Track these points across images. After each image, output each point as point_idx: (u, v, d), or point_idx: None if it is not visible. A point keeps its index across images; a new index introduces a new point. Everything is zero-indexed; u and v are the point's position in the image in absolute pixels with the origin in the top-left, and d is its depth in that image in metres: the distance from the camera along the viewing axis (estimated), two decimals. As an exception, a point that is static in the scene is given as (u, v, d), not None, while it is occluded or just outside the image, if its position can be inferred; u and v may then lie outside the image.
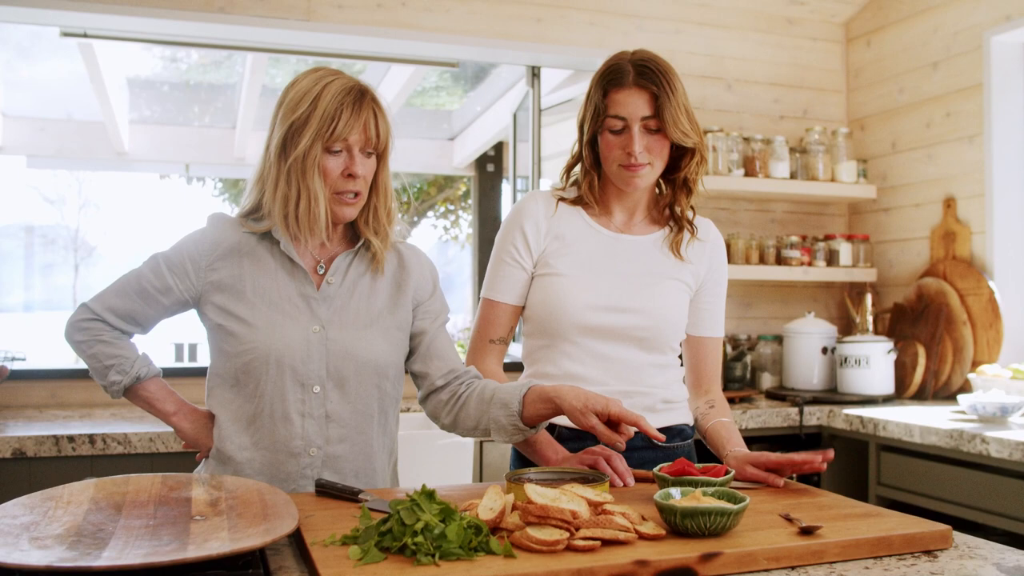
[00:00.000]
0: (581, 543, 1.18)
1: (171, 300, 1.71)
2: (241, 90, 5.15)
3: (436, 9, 3.57)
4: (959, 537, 1.36)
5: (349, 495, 1.51)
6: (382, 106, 1.70)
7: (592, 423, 1.52)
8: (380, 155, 1.72)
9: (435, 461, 2.86)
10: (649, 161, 1.77)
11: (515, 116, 4.47)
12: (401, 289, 1.79)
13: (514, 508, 1.29)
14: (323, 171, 1.64)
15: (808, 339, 3.65)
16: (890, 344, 3.47)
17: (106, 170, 6.99)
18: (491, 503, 1.27)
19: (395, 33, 3.53)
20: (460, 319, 12.96)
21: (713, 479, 1.44)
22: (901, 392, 3.55)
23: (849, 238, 3.89)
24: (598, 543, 1.19)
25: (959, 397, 3.02)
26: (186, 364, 4.69)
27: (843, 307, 4.05)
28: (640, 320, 1.78)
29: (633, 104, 1.74)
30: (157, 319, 1.74)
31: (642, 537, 1.23)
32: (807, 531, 1.28)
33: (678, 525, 1.24)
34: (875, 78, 4.02)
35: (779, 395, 3.54)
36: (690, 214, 1.88)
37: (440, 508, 1.19)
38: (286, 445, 1.67)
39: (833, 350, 3.62)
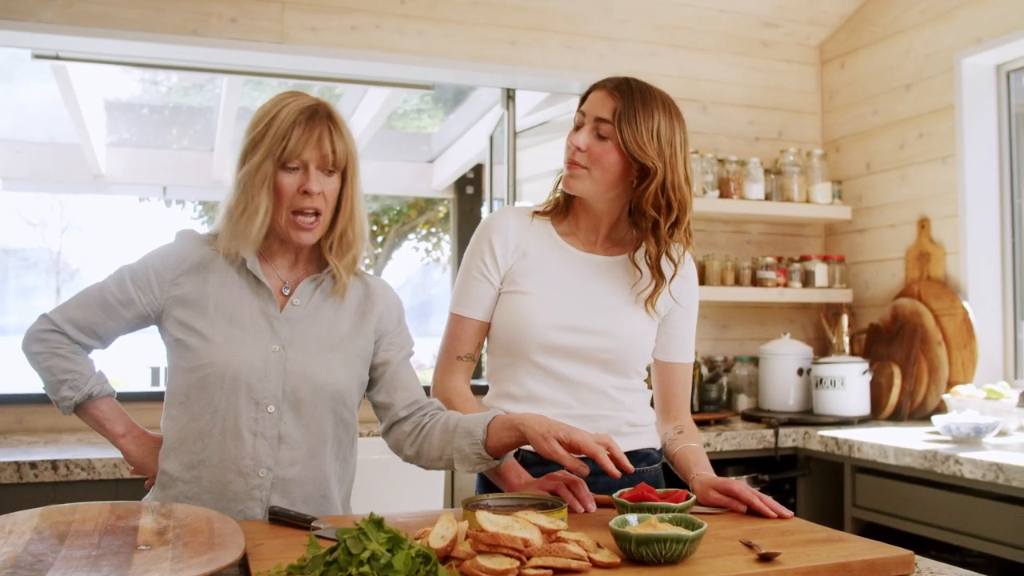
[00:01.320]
0: (532, 572, 1.15)
1: (133, 313, 1.68)
2: (218, 113, 5.14)
3: (410, 32, 3.57)
4: (923, 562, 1.34)
5: (301, 523, 1.47)
6: (339, 123, 1.69)
7: (554, 449, 1.50)
8: (345, 176, 1.70)
9: (405, 486, 2.82)
10: (587, 165, 1.73)
11: (491, 138, 4.46)
12: (365, 319, 1.77)
13: (467, 536, 1.27)
14: (278, 189, 1.64)
15: (784, 360, 3.64)
16: (865, 365, 3.46)
17: (82, 193, 6.94)
18: (443, 531, 1.24)
19: (369, 55, 3.52)
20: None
21: (672, 504, 1.41)
22: (877, 413, 3.53)
23: (824, 259, 3.89)
24: (549, 572, 1.16)
25: (934, 418, 3.01)
26: (161, 388, 4.64)
27: (819, 328, 4.05)
28: (604, 342, 1.76)
29: (596, 103, 1.73)
30: (118, 333, 1.72)
31: (596, 565, 1.21)
32: (766, 558, 1.25)
33: (633, 552, 1.22)
34: (849, 100, 4.04)
35: (755, 417, 3.53)
36: (668, 270, 1.78)
37: (388, 536, 1.16)
38: (235, 463, 1.63)
39: (809, 371, 3.61)
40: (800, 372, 3.62)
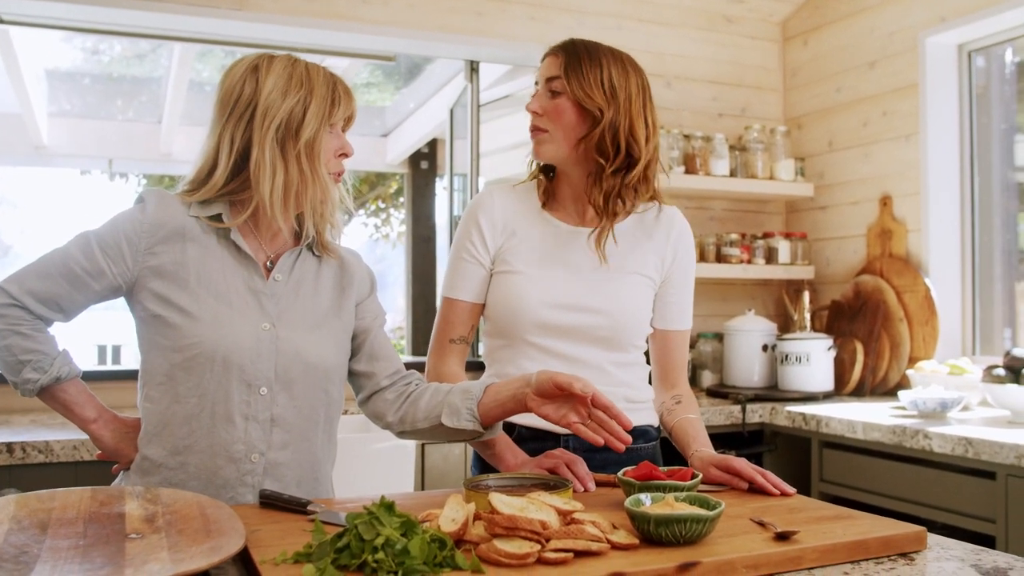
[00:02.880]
0: (552, 555, 1.11)
1: (102, 285, 1.56)
2: (168, 84, 4.96)
3: (374, 1, 3.47)
4: (931, 538, 1.33)
5: (297, 507, 1.41)
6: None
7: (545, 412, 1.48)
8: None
9: (374, 467, 2.76)
10: (547, 128, 1.71)
11: (452, 112, 4.38)
12: (344, 293, 1.70)
13: (477, 518, 1.22)
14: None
15: (748, 336, 3.65)
16: (830, 341, 3.49)
17: (24, 165, 6.67)
18: (453, 514, 1.20)
19: (331, 24, 3.42)
20: (392, 318, 12.82)
21: (681, 483, 1.38)
22: (840, 388, 3.57)
23: (787, 236, 3.91)
24: (570, 555, 1.12)
25: (900, 393, 3.05)
26: (109, 367, 4.49)
27: (781, 304, 4.07)
28: (600, 319, 1.72)
29: (546, 67, 1.74)
30: (84, 306, 1.59)
31: (614, 547, 1.17)
32: (783, 536, 1.23)
33: (652, 533, 1.18)
34: (812, 77, 4.04)
35: (720, 392, 3.53)
36: (608, 205, 1.72)
37: (401, 521, 1.11)
38: (225, 449, 1.55)
39: (774, 347, 3.63)
40: (765, 348, 3.63)
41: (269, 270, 1.63)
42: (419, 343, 5.87)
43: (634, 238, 1.79)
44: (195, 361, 1.54)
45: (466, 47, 3.68)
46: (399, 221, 10.19)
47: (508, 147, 4.38)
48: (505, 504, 1.17)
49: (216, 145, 1.58)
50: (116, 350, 5.60)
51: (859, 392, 3.56)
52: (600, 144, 1.69)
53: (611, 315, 1.73)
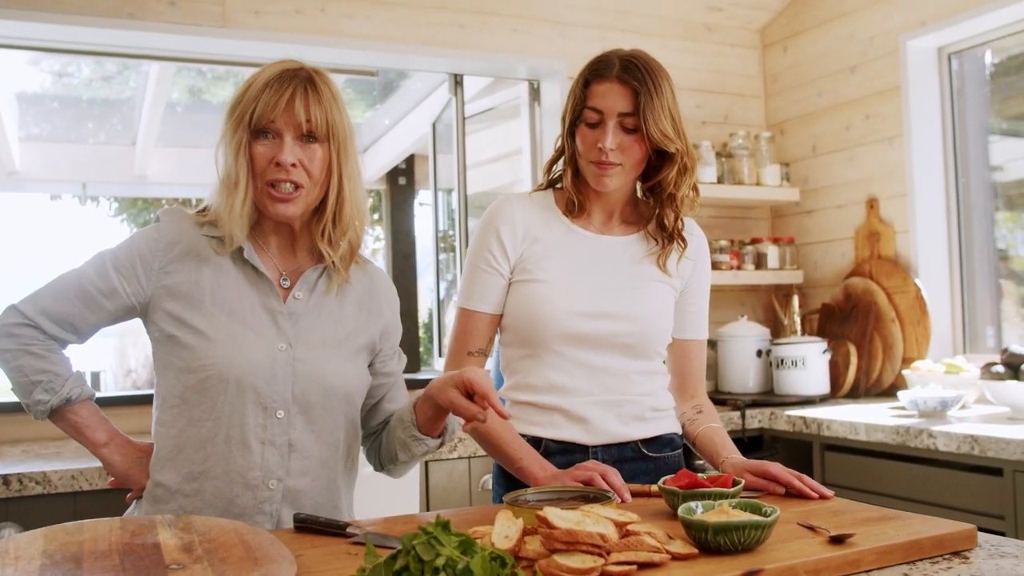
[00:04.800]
0: (616, 568, 1.08)
1: (116, 305, 1.52)
2: (143, 104, 4.89)
3: (357, 15, 3.45)
4: (979, 536, 1.32)
5: (335, 530, 1.37)
6: (319, 87, 1.53)
7: (450, 397, 1.44)
8: (337, 148, 1.54)
9: (378, 486, 2.71)
10: (620, 162, 1.68)
11: (434, 126, 4.36)
12: (371, 316, 1.65)
13: (527, 533, 1.19)
14: (251, 158, 1.51)
15: (742, 342, 3.66)
16: (824, 344, 3.51)
17: (-4, 191, 6.55)
18: (505, 530, 1.17)
19: (314, 40, 3.39)
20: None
21: (727, 490, 1.36)
22: (835, 391, 3.58)
23: (775, 241, 3.93)
24: (634, 567, 1.09)
25: (899, 393, 3.06)
26: (103, 392, 4.39)
27: (770, 310, 4.08)
28: (626, 327, 1.70)
29: (612, 97, 1.66)
30: (98, 326, 1.55)
31: (675, 557, 1.15)
32: (838, 540, 1.22)
33: (710, 542, 1.16)
34: (793, 83, 4.08)
35: (718, 399, 3.53)
36: (680, 227, 1.78)
37: (460, 540, 1.08)
38: (242, 476, 1.50)
39: (768, 352, 3.63)
40: (759, 353, 3.64)
41: (283, 287, 1.59)
42: (402, 360, 5.79)
43: (655, 251, 1.79)
44: (208, 383, 1.49)
45: (449, 60, 3.67)
46: (373, 238, 10.13)
47: (489, 160, 4.37)
48: (561, 518, 1.14)
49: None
50: (95, 376, 5.49)
51: (854, 394, 3.57)
52: (677, 174, 1.71)
53: (637, 322, 1.71)
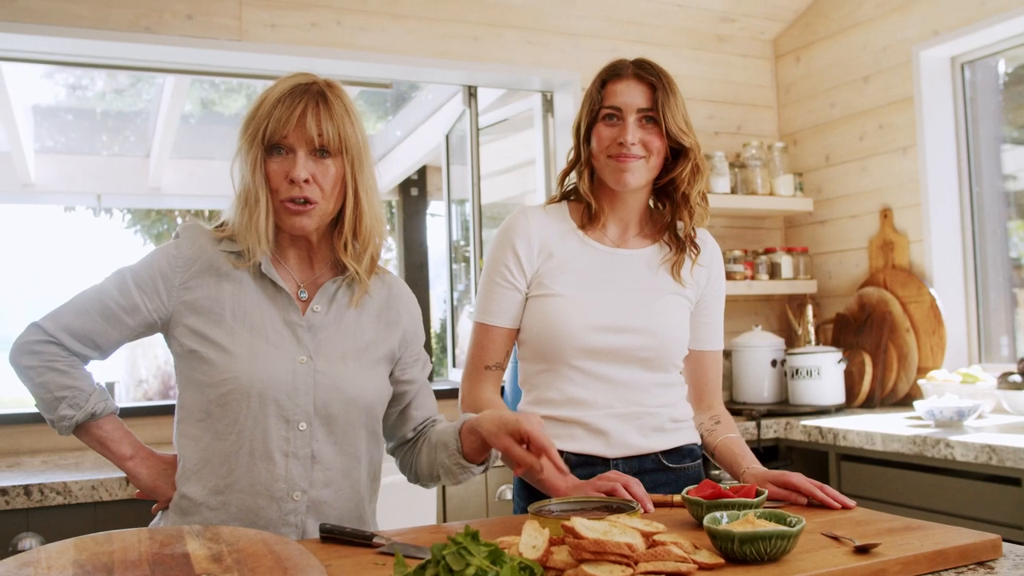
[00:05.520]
0: (644, 578, 1.09)
1: (138, 321, 1.54)
2: (157, 116, 4.92)
3: (371, 28, 3.47)
4: (1004, 547, 1.33)
5: (361, 540, 1.38)
6: (331, 100, 1.53)
7: (505, 444, 1.44)
8: (351, 161, 1.54)
9: (396, 497, 2.72)
10: (643, 155, 1.70)
11: (447, 138, 4.38)
12: (391, 326, 1.67)
13: (553, 543, 1.20)
14: (266, 176, 1.52)
15: (757, 352, 3.66)
16: (840, 354, 3.50)
17: (10, 203, 6.59)
18: (532, 540, 1.17)
19: (329, 53, 3.41)
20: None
21: (750, 500, 1.37)
22: (850, 401, 3.58)
23: (789, 251, 3.93)
24: (661, 577, 1.10)
25: (916, 403, 3.06)
26: (121, 403, 4.42)
27: (783, 319, 4.08)
28: (644, 340, 1.71)
29: (630, 94, 1.70)
30: (120, 342, 1.57)
31: (701, 567, 1.15)
32: (863, 550, 1.22)
33: (736, 552, 1.17)
34: (806, 93, 4.08)
35: (733, 409, 3.52)
36: (693, 234, 1.80)
37: (489, 550, 1.09)
38: (267, 488, 1.51)
39: (783, 362, 3.63)
40: (774, 363, 3.64)
41: (302, 300, 1.60)
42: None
43: (670, 259, 1.80)
44: (231, 397, 1.50)
45: (463, 72, 3.69)
46: (385, 249, 10.16)
47: (502, 171, 4.39)
48: (588, 528, 1.15)
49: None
50: (110, 387, 5.52)
51: (869, 404, 3.56)
52: (692, 172, 1.73)
53: (654, 335, 1.72)
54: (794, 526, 1.20)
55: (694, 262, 1.80)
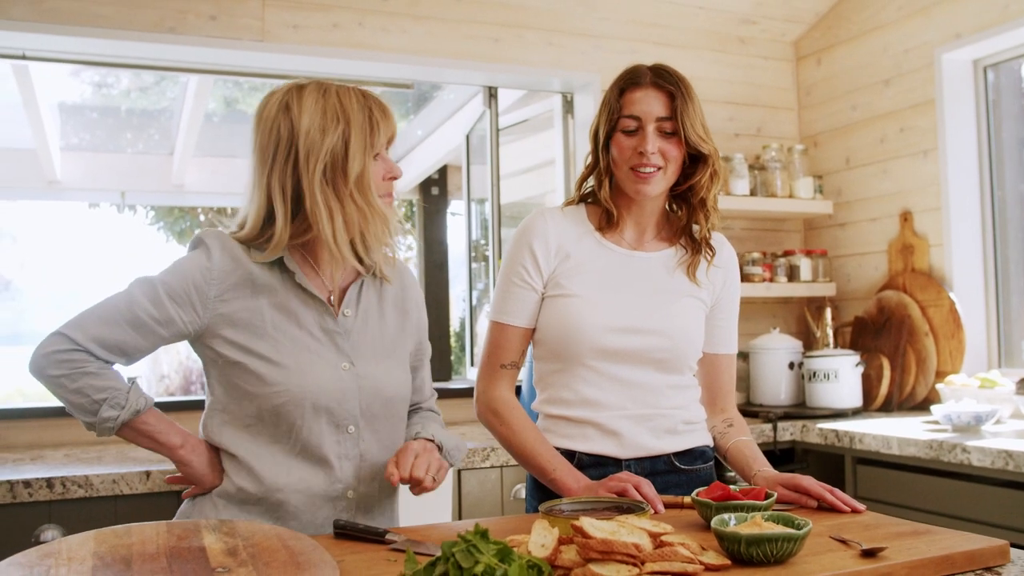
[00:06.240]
0: (650, 578, 1.10)
1: (172, 332, 1.55)
2: (181, 115, 4.98)
3: (393, 29, 3.50)
4: (1012, 552, 1.33)
5: (373, 536, 1.41)
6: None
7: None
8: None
9: (410, 496, 2.74)
10: (661, 165, 1.71)
11: (468, 138, 4.41)
12: (407, 317, 1.73)
13: (562, 542, 1.22)
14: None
15: (775, 355, 3.65)
16: (857, 357, 3.49)
17: (36, 199, 6.69)
18: (541, 539, 1.19)
19: (351, 54, 3.44)
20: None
21: (760, 503, 1.38)
22: (868, 404, 3.57)
23: (808, 253, 3.92)
24: (667, 577, 1.12)
25: (933, 408, 3.05)
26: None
27: (802, 322, 4.07)
28: (659, 341, 1.73)
29: (649, 103, 1.71)
30: (149, 351, 1.59)
31: (708, 568, 1.17)
32: (870, 553, 1.23)
33: (743, 553, 1.18)
34: (827, 95, 4.07)
35: (750, 412, 3.52)
36: (708, 236, 1.82)
37: (498, 548, 1.11)
38: (324, 490, 1.58)
39: (800, 365, 3.63)
40: (791, 366, 3.63)
41: (333, 304, 1.63)
42: (432, 368, 5.83)
43: (685, 261, 1.81)
44: (285, 408, 1.55)
45: (483, 73, 3.71)
46: (405, 247, 10.20)
47: (522, 171, 4.40)
48: (596, 528, 1.17)
49: (267, 195, 1.57)
50: (132, 382, 5.57)
51: (887, 408, 3.55)
52: (704, 176, 1.74)
53: (670, 337, 1.73)
54: (801, 529, 1.21)
55: (710, 263, 1.81)
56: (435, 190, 6.17)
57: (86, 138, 5.86)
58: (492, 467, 2.88)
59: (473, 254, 4.44)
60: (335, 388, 1.57)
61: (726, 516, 1.27)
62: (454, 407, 3.68)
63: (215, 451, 1.62)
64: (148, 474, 2.48)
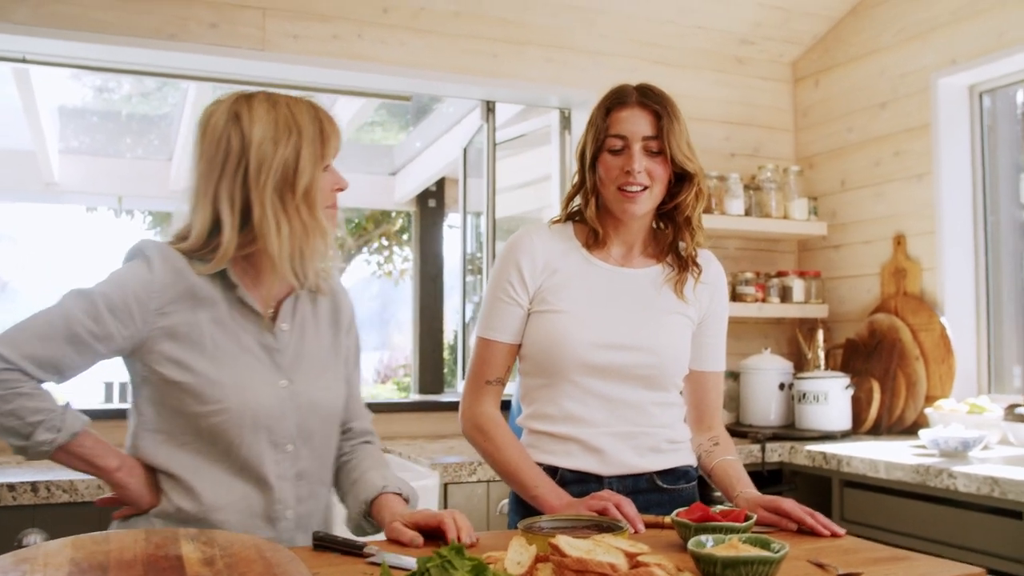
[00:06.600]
0: (624, 598, 1.11)
1: (110, 348, 1.49)
2: (180, 121, 4.99)
3: (391, 42, 3.52)
4: (987, 580, 1.33)
5: (352, 549, 1.41)
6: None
7: (397, 533, 1.46)
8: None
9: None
10: (648, 185, 1.72)
11: (465, 151, 4.42)
12: (339, 328, 1.71)
13: (539, 560, 1.22)
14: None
15: (765, 375, 3.66)
16: (847, 380, 3.50)
17: (34, 202, 6.70)
18: (518, 556, 1.20)
19: (350, 65, 3.46)
20: (395, 356, 12.78)
21: (738, 524, 1.38)
22: (857, 427, 3.57)
23: (801, 274, 3.93)
24: (641, 598, 1.12)
25: (921, 432, 3.05)
26: (115, 405, 4.48)
27: (794, 343, 4.08)
28: (645, 358, 1.73)
29: (635, 122, 1.72)
30: (83, 369, 1.51)
31: (682, 589, 1.17)
32: (846, 578, 1.23)
33: (719, 575, 1.18)
34: (823, 117, 4.09)
35: (739, 432, 3.53)
36: (694, 254, 1.83)
37: (472, 564, 1.11)
38: (264, 511, 1.56)
39: (791, 386, 3.63)
40: (781, 387, 3.64)
41: (273, 320, 1.61)
42: (426, 382, 5.86)
43: (672, 277, 1.82)
44: (223, 426, 1.52)
45: (482, 88, 3.73)
46: (401, 259, 10.24)
47: (519, 185, 4.42)
48: (572, 546, 1.17)
49: (214, 205, 1.52)
50: (124, 387, 5.58)
51: (876, 431, 3.56)
52: (697, 196, 1.75)
53: (656, 353, 1.74)
54: (777, 552, 1.21)
55: (696, 280, 1.81)
56: (432, 202, 6.18)
57: (86, 142, 5.87)
58: (479, 481, 2.88)
59: (469, 267, 4.45)
60: (273, 406, 1.54)
61: (703, 537, 1.28)
62: (446, 420, 3.69)
63: (151, 471, 1.56)
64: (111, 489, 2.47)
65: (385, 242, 10.42)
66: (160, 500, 1.55)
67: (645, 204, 1.74)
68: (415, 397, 5.71)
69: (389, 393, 10.47)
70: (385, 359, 12.82)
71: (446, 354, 6.51)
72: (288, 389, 1.57)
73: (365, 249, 10.39)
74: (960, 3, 3.47)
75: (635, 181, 1.71)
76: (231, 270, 1.56)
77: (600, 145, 1.75)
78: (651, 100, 1.73)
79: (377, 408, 3.75)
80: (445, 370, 6.32)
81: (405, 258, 6.61)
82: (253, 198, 1.51)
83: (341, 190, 1.60)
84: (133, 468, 1.55)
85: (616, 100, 1.76)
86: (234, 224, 1.52)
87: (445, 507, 2.86)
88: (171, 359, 1.51)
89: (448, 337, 6.89)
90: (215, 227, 1.53)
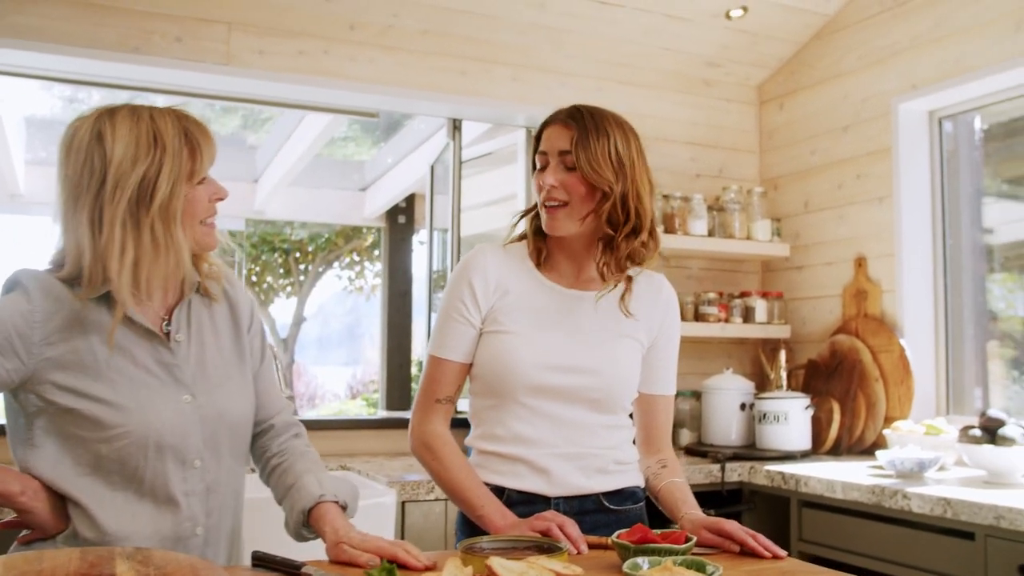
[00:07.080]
0: (554, 621, 1.11)
1: None
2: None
3: (359, 59, 3.52)
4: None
5: (290, 569, 1.40)
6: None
7: (350, 556, 1.43)
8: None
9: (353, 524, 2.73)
10: (565, 200, 1.72)
11: (432, 168, 4.43)
12: (240, 331, 1.67)
13: (475, 582, 1.22)
14: (191, 206, 1.51)
15: (727, 395, 3.68)
16: (807, 400, 3.52)
17: (-1, 212, 6.64)
18: (452, 577, 1.19)
19: (316, 81, 3.46)
20: (365, 371, 12.75)
21: (677, 547, 1.39)
22: (817, 447, 3.59)
23: (764, 295, 3.96)
24: (572, 620, 1.12)
25: (878, 453, 3.07)
26: None
27: (756, 363, 4.10)
28: (593, 381, 1.74)
29: (555, 138, 1.74)
30: None
31: (615, 612, 1.17)
32: (779, 601, 1.24)
33: (651, 598, 1.19)
34: (788, 140, 4.14)
35: (699, 451, 3.54)
36: (627, 264, 1.77)
37: (403, 586, 1.11)
38: (173, 531, 1.52)
39: (752, 406, 3.65)
40: (743, 407, 3.66)
41: (166, 331, 1.57)
42: (394, 398, 5.84)
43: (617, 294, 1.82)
44: (126, 450, 1.48)
45: (449, 105, 3.74)
46: (373, 274, 10.22)
47: (487, 203, 4.43)
48: (505, 568, 1.17)
49: (90, 231, 1.46)
50: None
51: (836, 451, 3.58)
52: (611, 215, 1.72)
53: (604, 376, 1.74)
54: (711, 574, 1.22)
55: (622, 299, 1.78)
56: (402, 218, 6.19)
57: (53, 152, 5.83)
58: (437, 500, 2.87)
59: (435, 284, 4.45)
60: (178, 424, 1.50)
61: (640, 560, 1.28)
62: (408, 438, 3.67)
63: (57, 495, 1.50)
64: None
65: (356, 257, 10.40)
66: (67, 525, 1.50)
67: (565, 222, 1.73)
68: (382, 414, 5.70)
69: (358, 409, 10.41)
70: (358, 374, 12.78)
71: (415, 370, 6.49)
72: (192, 404, 1.53)
73: (336, 264, 10.37)
74: (920, 30, 3.53)
75: (551, 196, 1.71)
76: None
77: (533, 163, 1.78)
78: (574, 118, 1.73)
79: (337, 426, 3.75)
80: (414, 385, 6.30)
81: (376, 273, 6.60)
82: (105, 219, 1.45)
83: (221, 199, 1.56)
84: (38, 492, 1.49)
85: (549, 119, 1.78)
86: (94, 249, 1.47)
87: (402, 525, 2.85)
88: (64, 388, 1.47)
89: (416, 353, 6.88)
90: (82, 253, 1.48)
